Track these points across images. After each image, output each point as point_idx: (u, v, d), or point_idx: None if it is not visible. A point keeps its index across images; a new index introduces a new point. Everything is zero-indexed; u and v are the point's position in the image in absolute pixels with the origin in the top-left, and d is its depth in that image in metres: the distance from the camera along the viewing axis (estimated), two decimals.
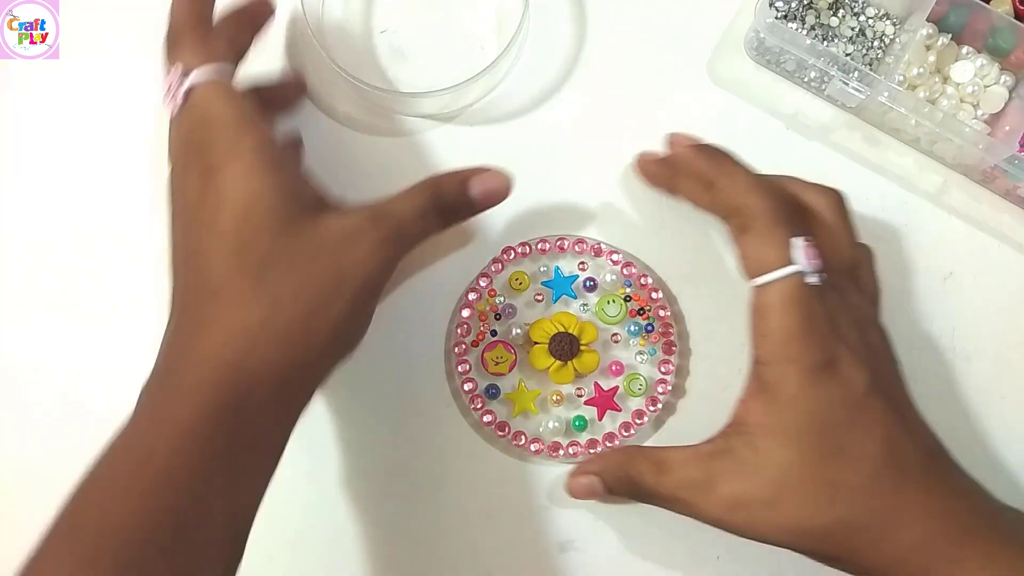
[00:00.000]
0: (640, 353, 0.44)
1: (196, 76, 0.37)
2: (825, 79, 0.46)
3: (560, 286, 0.45)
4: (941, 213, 0.46)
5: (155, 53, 0.43)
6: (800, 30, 0.46)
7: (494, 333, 0.44)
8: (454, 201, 0.39)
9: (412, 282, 0.45)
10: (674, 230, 0.45)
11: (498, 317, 0.44)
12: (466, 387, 0.43)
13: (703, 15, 0.47)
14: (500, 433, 0.43)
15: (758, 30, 0.44)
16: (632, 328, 0.44)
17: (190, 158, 0.36)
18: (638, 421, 0.43)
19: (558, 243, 0.45)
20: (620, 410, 0.44)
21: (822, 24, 0.46)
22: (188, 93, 0.37)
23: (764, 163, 0.45)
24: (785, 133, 0.46)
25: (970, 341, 0.45)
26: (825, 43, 0.46)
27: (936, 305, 0.45)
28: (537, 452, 0.43)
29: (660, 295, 0.44)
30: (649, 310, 0.44)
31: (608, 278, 0.45)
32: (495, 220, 0.45)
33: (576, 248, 0.45)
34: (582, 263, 0.45)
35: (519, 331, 0.44)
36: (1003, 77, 0.45)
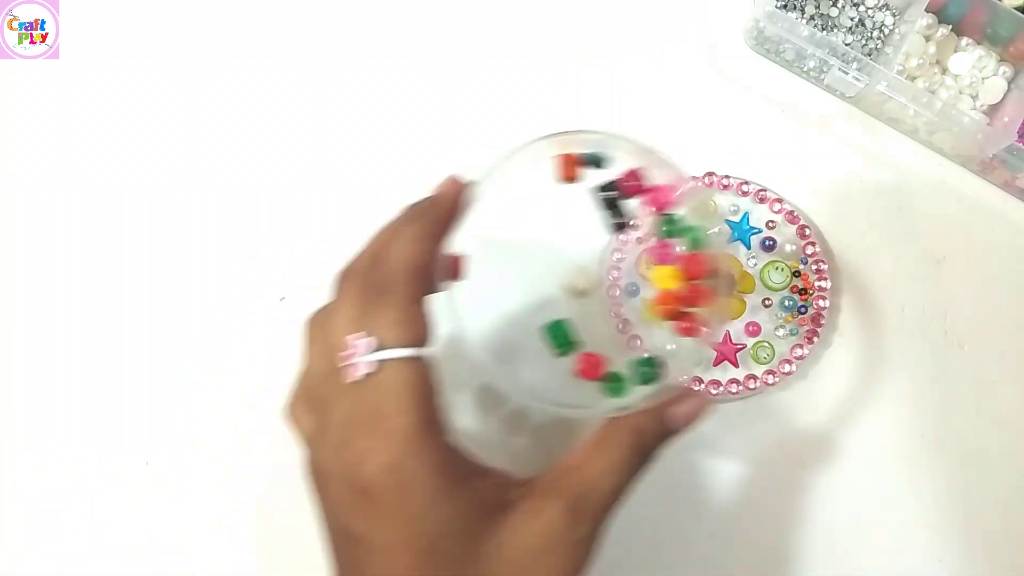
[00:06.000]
0: (781, 327, 0.44)
1: (388, 355, 0.30)
2: (824, 68, 0.46)
3: (741, 231, 0.45)
4: (936, 201, 0.46)
5: (153, 53, 0.43)
6: (799, 19, 0.47)
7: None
8: (656, 444, 0.34)
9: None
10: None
11: None
12: (613, 274, 0.44)
13: (703, 3, 0.48)
14: (621, 328, 0.44)
15: (758, 19, 0.44)
16: (787, 302, 0.44)
17: (346, 459, 0.30)
18: (751, 385, 0.44)
19: (759, 193, 0.45)
20: (737, 367, 0.44)
21: (822, 14, 0.47)
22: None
23: (762, 152, 0.47)
24: (784, 122, 0.47)
25: (962, 326, 0.45)
26: (824, 32, 0.47)
27: (928, 290, 0.45)
28: None
29: (828, 285, 0.44)
30: (811, 294, 0.44)
31: (788, 248, 0.45)
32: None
33: (774, 207, 0.45)
34: (771, 222, 0.45)
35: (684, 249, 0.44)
36: (1002, 68, 0.45)
